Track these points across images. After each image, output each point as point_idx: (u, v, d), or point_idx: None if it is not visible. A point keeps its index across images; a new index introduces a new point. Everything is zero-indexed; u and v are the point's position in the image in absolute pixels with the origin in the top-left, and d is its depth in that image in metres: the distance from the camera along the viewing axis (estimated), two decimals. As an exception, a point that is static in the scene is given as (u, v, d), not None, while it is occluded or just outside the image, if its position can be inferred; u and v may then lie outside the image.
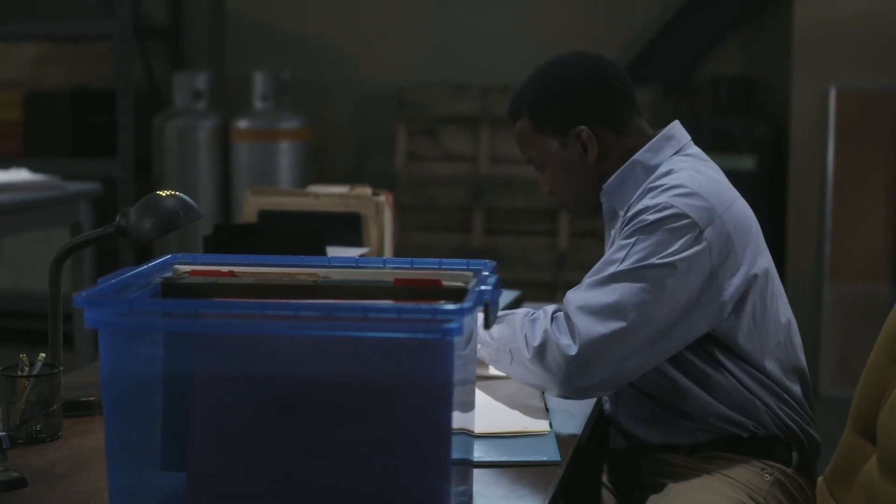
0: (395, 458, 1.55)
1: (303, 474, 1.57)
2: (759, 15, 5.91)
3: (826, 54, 5.48)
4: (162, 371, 1.64)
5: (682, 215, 2.14)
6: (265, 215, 3.07)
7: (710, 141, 5.71)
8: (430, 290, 1.72)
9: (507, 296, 3.16)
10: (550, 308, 2.18)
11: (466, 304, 1.50)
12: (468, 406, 1.75)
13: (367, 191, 3.10)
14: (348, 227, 3.06)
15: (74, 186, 4.33)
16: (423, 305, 1.52)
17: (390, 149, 6.17)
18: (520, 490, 1.85)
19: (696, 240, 2.13)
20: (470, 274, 1.77)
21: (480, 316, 2.31)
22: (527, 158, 2.41)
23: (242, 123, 6.09)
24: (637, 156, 2.30)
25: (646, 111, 5.66)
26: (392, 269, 1.80)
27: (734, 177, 6.10)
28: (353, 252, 2.94)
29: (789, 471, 2.26)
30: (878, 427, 2.35)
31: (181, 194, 2.20)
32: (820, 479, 2.51)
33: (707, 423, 2.23)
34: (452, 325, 1.49)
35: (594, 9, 6.11)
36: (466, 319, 1.53)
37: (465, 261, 1.81)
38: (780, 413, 2.25)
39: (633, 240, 2.15)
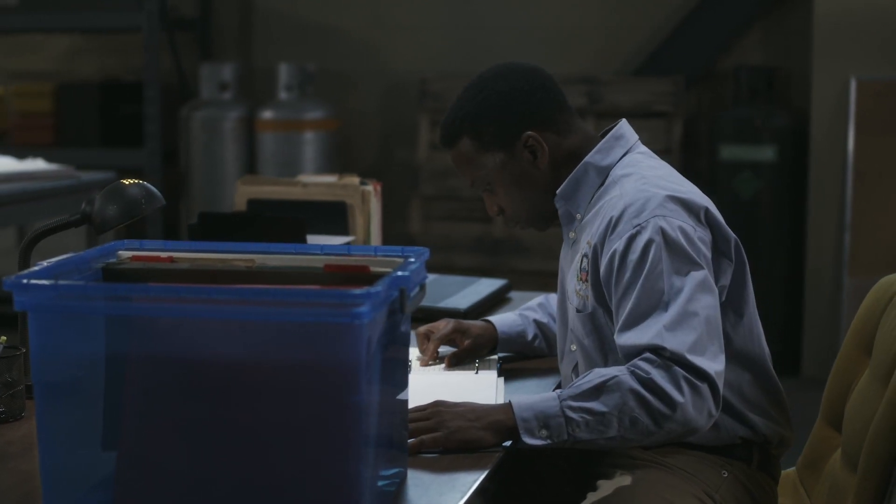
0: (311, 441, 1.59)
1: (225, 456, 1.62)
2: (780, 5, 5.90)
3: (846, 44, 5.46)
4: (97, 353, 1.68)
5: (675, 225, 2.14)
6: (254, 204, 3.13)
7: (731, 131, 5.71)
8: (357, 276, 1.76)
9: (492, 284, 3.19)
10: (648, 364, 2.07)
11: (374, 289, 1.54)
12: (396, 389, 1.79)
13: (355, 180, 3.14)
14: (335, 216, 3.10)
15: (88, 176, 4.42)
16: (333, 290, 1.56)
17: (414, 139, 6.21)
18: (458, 466, 1.90)
19: (697, 237, 2.15)
20: (401, 260, 1.81)
21: None
22: (471, 182, 2.36)
23: (268, 114, 6.16)
24: (588, 158, 2.29)
25: (667, 102, 5.70)
26: (326, 256, 1.84)
27: (754, 167, 6.08)
28: (337, 240, 2.99)
29: (749, 468, 2.26)
30: (844, 417, 2.36)
31: (145, 182, 2.27)
32: (792, 469, 2.52)
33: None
34: (361, 309, 1.53)
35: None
36: (378, 303, 1.56)
37: (399, 248, 1.85)
38: (752, 421, 2.25)
39: (659, 267, 2.11)
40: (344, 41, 6.48)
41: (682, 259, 2.12)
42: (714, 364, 2.07)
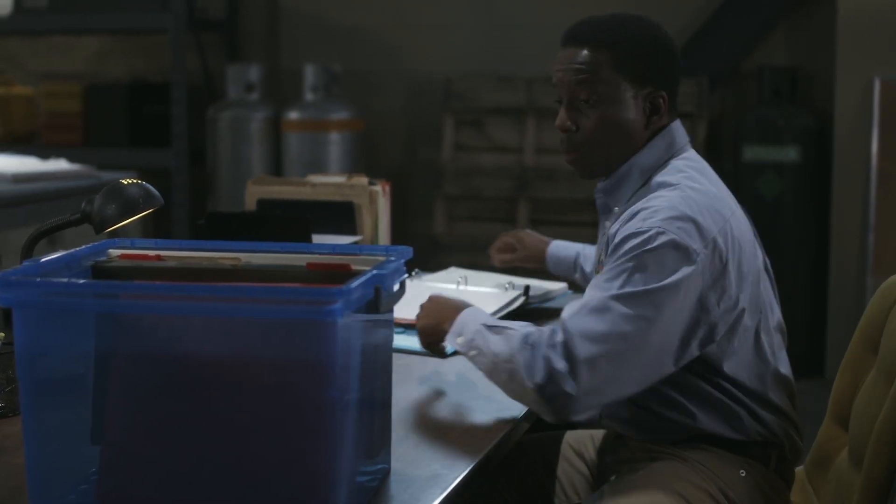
0: (288, 436, 1.61)
1: (205, 450, 1.64)
2: (803, 6, 5.88)
3: (870, 45, 5.44)
4: (82, 350, 1.71)
5: (673, 242, 2.08)
6: (264, 204, 3.16)
7: (755, 132, 5.70)
8: (338, 274, 1.79)
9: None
10: (549, 333, 2.09)
11: (347, 287, 1.56)
12: (377, 385, 1.81)
13: (363, 180, 3.16)
14: (344, 216, 3.13)
15: (108, 176, 4.47)
16: (309, 287, 1.58)
17: (438, 139, 6.24)
18: (442, 463, 1.92)
19: (689, 264, 2.08)
20: (383, 259, 1.83)
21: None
22: (569, 89, 2.28)
23: (294, 114, 6.20)
24: (637, 157, 2.27)
25: (692, 102, 5.69)
26: (310, 255, 1.87)
27: (778, 168, 6.05)
28: (344, 240, 3.02)
29: (767, 470, 2.25)
30: (850, 416, 2.36)
31: (144, 182, 2.30)
32: (800, 467, 2.52)
33: (690, 427, 2.23)
34: (334, 306, 1.55)
35: (640, 0, 6.11)
36: (352, 301, 1.58)
37: (384, 247, 1.87)
38: (765, 419, 2.25)
39: (627, 266, 2.08)
40: (369, 42, 6.51)
41: (654, 272, 2.07)
42: (586, 352, 2.04)
